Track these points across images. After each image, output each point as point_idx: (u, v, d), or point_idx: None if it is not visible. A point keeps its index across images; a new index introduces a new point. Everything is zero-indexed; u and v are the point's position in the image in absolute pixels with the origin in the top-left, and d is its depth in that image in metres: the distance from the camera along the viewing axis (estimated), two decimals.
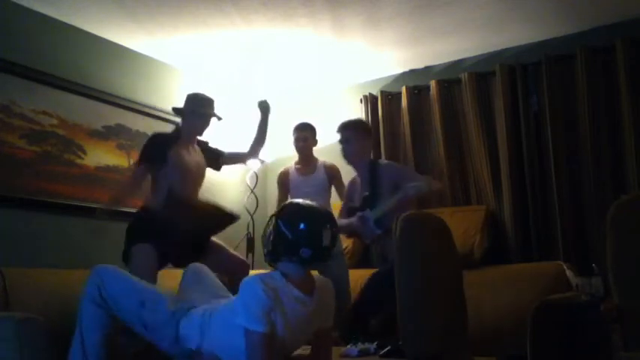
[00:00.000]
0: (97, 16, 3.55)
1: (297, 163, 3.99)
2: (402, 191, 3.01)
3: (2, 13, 3.30)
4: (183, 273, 2.55)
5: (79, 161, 3.57)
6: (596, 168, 3.58)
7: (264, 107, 3.42)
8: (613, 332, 2.30)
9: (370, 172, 3.24)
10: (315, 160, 3.97)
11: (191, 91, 3.28)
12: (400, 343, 2.25)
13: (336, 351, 2.47)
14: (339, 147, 3.40)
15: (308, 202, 2.21)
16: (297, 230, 2.06)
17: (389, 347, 2.57)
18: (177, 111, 3.25)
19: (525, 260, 3.62)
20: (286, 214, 2.14)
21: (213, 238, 3.18)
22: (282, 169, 4.07)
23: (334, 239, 2.14)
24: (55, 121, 3.47)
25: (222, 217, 3.17)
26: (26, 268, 2.92)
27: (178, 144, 3.11)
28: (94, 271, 2.25)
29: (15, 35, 3.35)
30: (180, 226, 2.90)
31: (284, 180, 4.00)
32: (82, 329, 2.17)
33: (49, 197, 3.37)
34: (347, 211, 3.37)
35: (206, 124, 3.21)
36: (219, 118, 3.25)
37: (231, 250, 3.32)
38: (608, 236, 2.31)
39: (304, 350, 2.29)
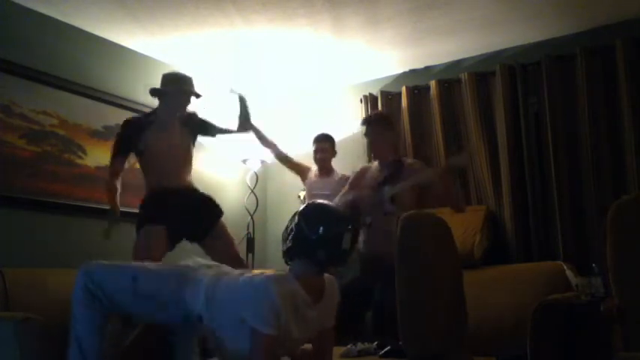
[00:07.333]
0: (97, 16, 3.55)
1: (316, 171, 4.06)
2: (418, 175, 3.11)
3: (2, 13, 3.30)
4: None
5: (79, 161, 3.57)
6: (596, 168, 3.58)
7: (241, 99, 3.39)
8: (613, 332, 2.31)
9: (395, 168, 3.26)
10: (333, 169, 4.01)
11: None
12: (400, 343, 2.25)
13: (336, 351, 2.47)
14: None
15: (331, 204, 2.21)
16: (317, 231, 2.05)
17: (389, 347, 2.57)
18: (154, 92, 3.17)
19: (525, 260, 3.62)
20: (309, 213, 2.13)
21: (224, 226, 3.16)
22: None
23: (354, 243, 2.12)
24: (55, 121, 3.47)
25: (207, 208, 3.15)
26: (26, 268, 2.92)
27: (154, 128, 3.07)
28: (79, 270, 2.21)
29: (15, 35, 3.35)
30: (166, 214, 2.93)
31: (305, 170, 4.09)
32: (77, 330, 2.14)
33: (49, 197, 3.37)
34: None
35: (186, 101, 3.16)
36: (198, 96, 3.20)
37: (235, 247, 3.27)
38: (608, 236, 2.32)
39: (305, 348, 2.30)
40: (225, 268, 2.33)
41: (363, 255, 3.23)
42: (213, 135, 3.37)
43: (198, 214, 3.07)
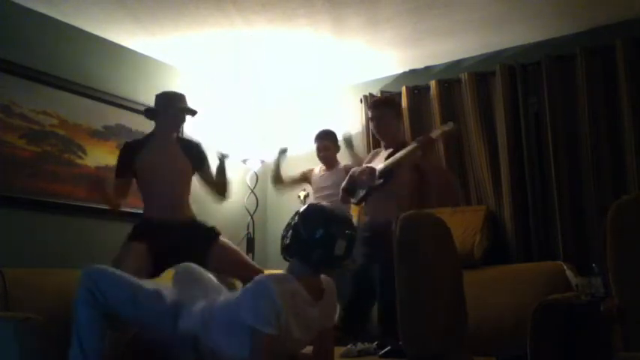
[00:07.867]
0: (98, 16, 3.55)
1: (321, 167, 4.09)
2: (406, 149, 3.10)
3: (2, 13, 3.30)
4: (174, 274, 2.49)
5: (79, 161, 3.58)
6: (596, 168, 3.58)
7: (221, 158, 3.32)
8: (613, 332, 2.31)
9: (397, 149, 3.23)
10: (337, 162, 4.04)
11: (160, 91, 3.26)
12: (400, 343, 2.25)
13: (336, 351, 2.47)
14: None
15: (331, 206, 2.22)
16: (312, 233, 2.08)
17: (389, 347, 2.57)
18: (149, 112, 3.19)
19: (525, 260, 3.62)
20: (307, 215, 2.15)
21: (225, 242, 3.13)
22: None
23: (349, 249, 2.13)
24: (55, 121, 3.47)
25: (203, 231, 3.10)
26: (26, 268, 2.92)
27: (149, 147, 3.10)
28: (83, 272, 2.23)
29: (15, 35, 3.35)
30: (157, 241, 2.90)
31: (307, 173, 4.14)
32: (79, 331, 2.15)
33: (49, 197, 3.37)
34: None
35: (181, 119, 3.20)
36: (194, 113, 3.22)
37: (246, 257, 3.25)
38: (608, 236, 2.31)
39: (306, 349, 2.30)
40: (226, 294, 2.32)
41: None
42: (203, 171, 3.24)
43: (190, 246, 2.96)
